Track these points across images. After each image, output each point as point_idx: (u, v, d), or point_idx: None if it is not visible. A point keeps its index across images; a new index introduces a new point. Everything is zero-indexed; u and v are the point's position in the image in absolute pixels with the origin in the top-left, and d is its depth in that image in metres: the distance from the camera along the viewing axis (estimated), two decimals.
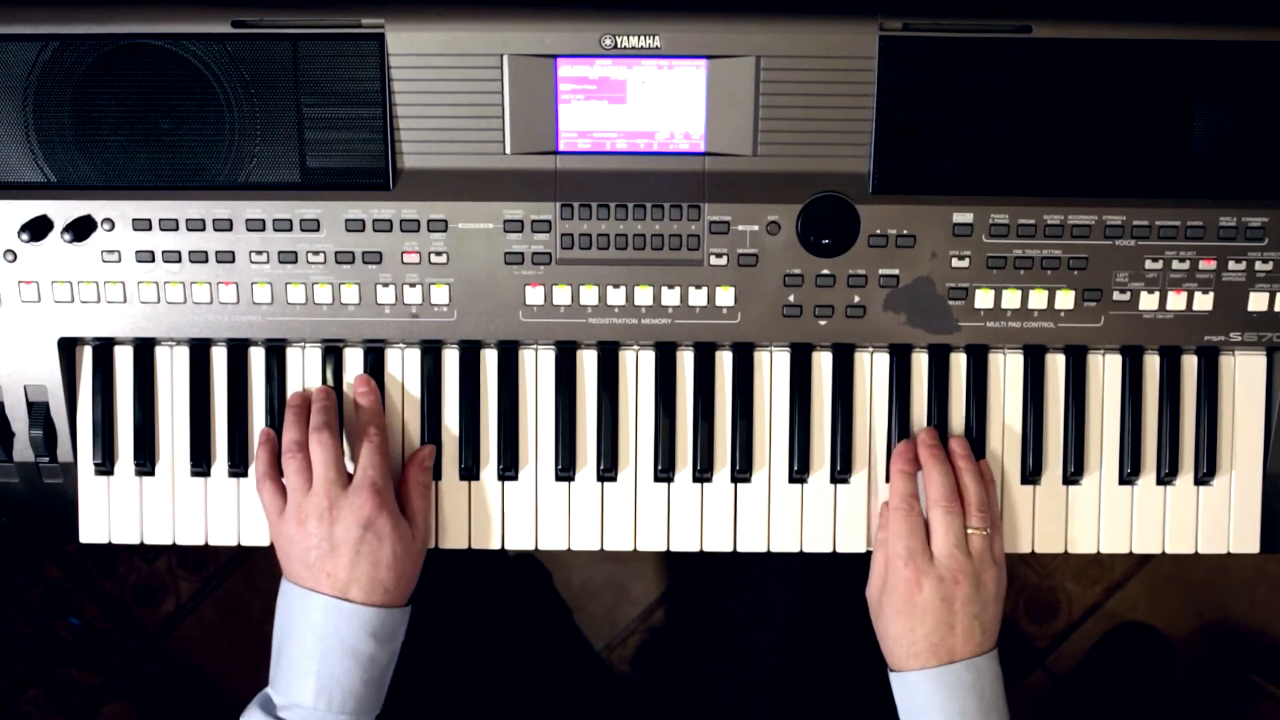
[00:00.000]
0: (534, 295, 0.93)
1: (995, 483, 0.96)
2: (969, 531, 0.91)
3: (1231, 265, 0.93)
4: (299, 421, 0.92)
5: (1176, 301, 0.93)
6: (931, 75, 0.89)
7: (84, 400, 0.96)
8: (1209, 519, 0.97)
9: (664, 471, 0.96)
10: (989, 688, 0.89)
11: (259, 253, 0.92)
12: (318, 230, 0.92)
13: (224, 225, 0.92)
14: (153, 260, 0.92)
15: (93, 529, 0.97)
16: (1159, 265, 0.93)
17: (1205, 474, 0.96)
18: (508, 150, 0.91)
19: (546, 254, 0.92)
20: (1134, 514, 0.97)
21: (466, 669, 1.17)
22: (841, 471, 0.95)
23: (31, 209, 0.91)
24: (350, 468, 0.93)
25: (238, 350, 0.96)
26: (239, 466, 0.96)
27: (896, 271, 0.93)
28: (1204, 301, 0.93)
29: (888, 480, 0.95)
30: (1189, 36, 0.89)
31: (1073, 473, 0.96)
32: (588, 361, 0.96)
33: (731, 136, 0.91)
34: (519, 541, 0.97)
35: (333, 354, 0.96)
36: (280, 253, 0.92)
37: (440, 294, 0.93)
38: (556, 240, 0.92)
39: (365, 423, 0.93)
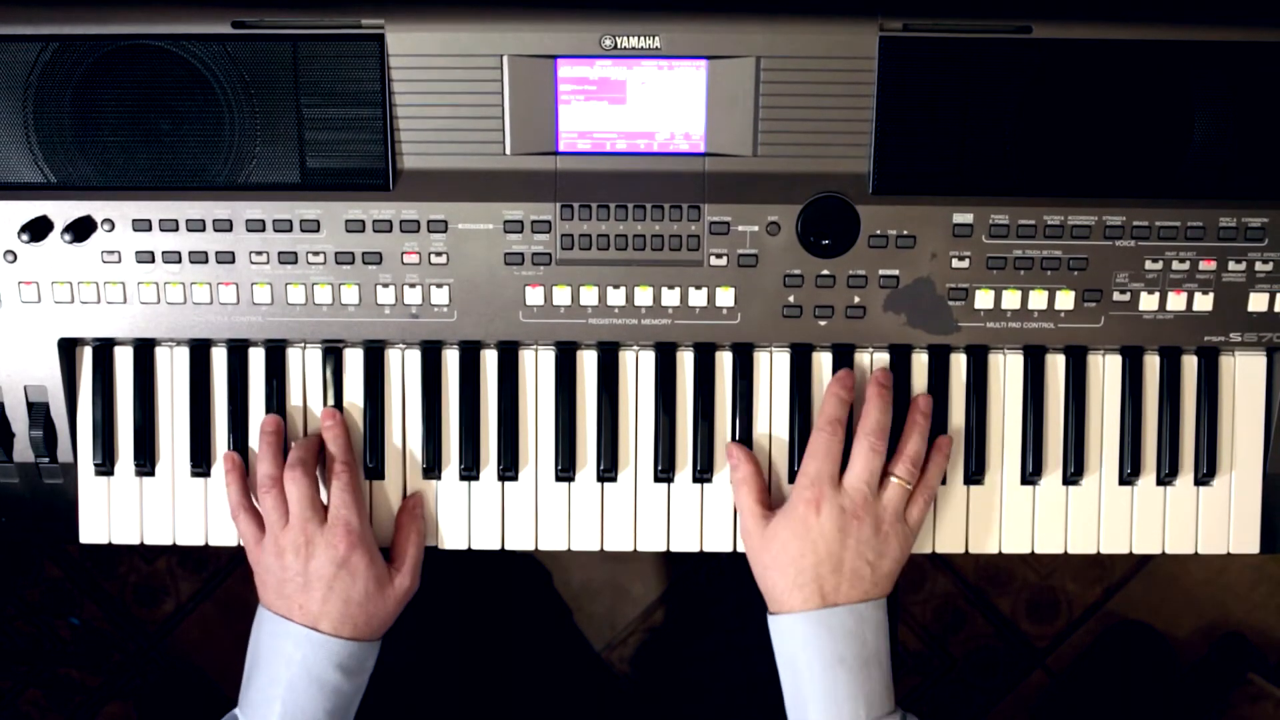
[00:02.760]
0: (534, 296, 0.93)
1: (948, 459, 0.94)
2: (891, 479, 0.90)
3: (1231, 266, 0.93)
4: (274, 455, 0.93)
5: (1176, 302, 0.94)
6: (931, 75, 0.89)
7: (84, 401, 0.96)
8: (1209, 519, 0.97)
9: (664, 472, 0.96)
10: (871, 636, 0.87)
11: (259, 253, 0.92)
12: (318, 230, 0.92)
13: (224, 226, 0.92)
14: (153, 261, 0.92)
15: (93, 529, 0.97)
16: (1159, 266, 0.93)
17: (1205, 474, 0.96)
18: (508, 151, 0.91)
19: (546, 254, 0.92)
20: (1134, 514, 0.97)
21: (466, 668, 1.17)
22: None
23: (31, 209, 0.91)
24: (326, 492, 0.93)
25: (238, 351, 0.96)
26: None
27: (896, 272, 0.93)
28: (1204, 302, 0.94)
29: None
30: (1189, 37, 0.89)
31: (1073, 473, 0.96)
32: (588, 362, 0.96)
33: (731, 137, 0.91)
34: (519, 542, 0.97)
35: (333, 354, 0.96)
36: (280, 253, 0.92)
37: (440, 294, 0.93)
38: (556, 241, 0.92)
39: (332, 459, 0.93)
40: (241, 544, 0.95)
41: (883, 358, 0.96)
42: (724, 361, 0.96)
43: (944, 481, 0.96)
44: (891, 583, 0.90)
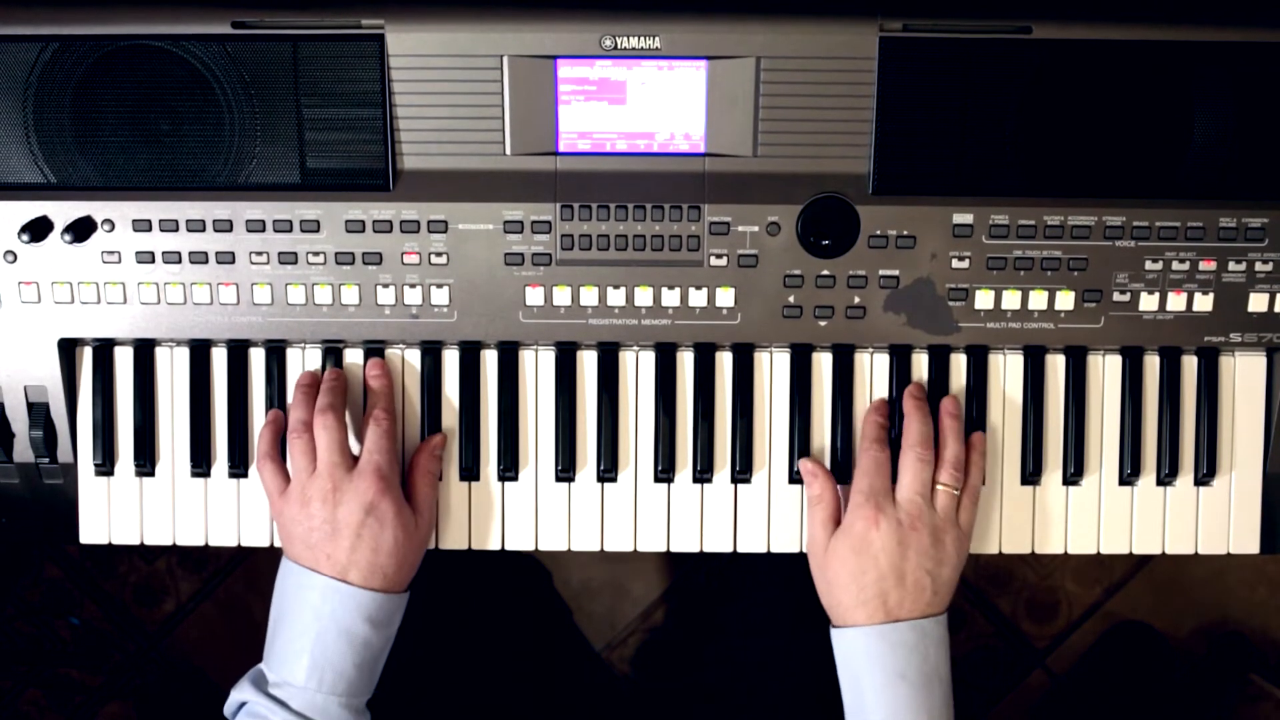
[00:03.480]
0: (534, 296, 0.93)
1: (984, 456, 0.95)
2: (938, 486, 0.91)
3: (1232, 266, 0.93)
4: (306, 401, 0.92)
5: (1176, 302, 0.93)
6: (931, 76, 0.89)
7: (84, 401, 0.96)
8: (1209, 519, 0.97)
9: (664, 472, 0.96)
10: (933, 652, 0.88)
11: (259, 253, 0.92)
12: (318, 231, 0.92)
13: (224, 226, 0.92)
14: (153, 261, 0.92)
15: (93, 529, 0.97)
16: (1159, 266, 0.93)
17: (1205, 474, 0.96)
18: (508, 151, 0.91)
19: (546, 255, 0.92)
20: (1134, 514, 0.97)
21: (467, 668, 1.17)
22: (842, 472, 0.95)
23: (31, 210, 0.91)
24: (356, 450, 0.92)
25: (238, 351, 0.96)
26: (239, 467, 0.96)
27: (896, 272, 0.93)
28: (1204, 302, 0.93)
29: None
30: (1189, 37, 0.89)
31: (1073, 473, 0.96)
32: (588, 362, 0.96)
33: (731, 137, 0.91)
34: (519, 542, 0.97)
35: (333, 355, 0.96)
36: (280, 253, 0.92)
37: (440, 295, 0.93)
38: (556, 241, 0.92)
39: (374, 405, 0.93)
40: (245, 546, 0.94)
41: (883, 358, 0.96)
42: (724, 362, 0.96)
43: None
44: (952, 592, 0.90)
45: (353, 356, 0.96)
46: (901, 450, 0.92)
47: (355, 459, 0.91)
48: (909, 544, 0.88)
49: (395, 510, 0.89)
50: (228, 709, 0.89)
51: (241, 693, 0.87)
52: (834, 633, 0.90)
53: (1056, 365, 0.96)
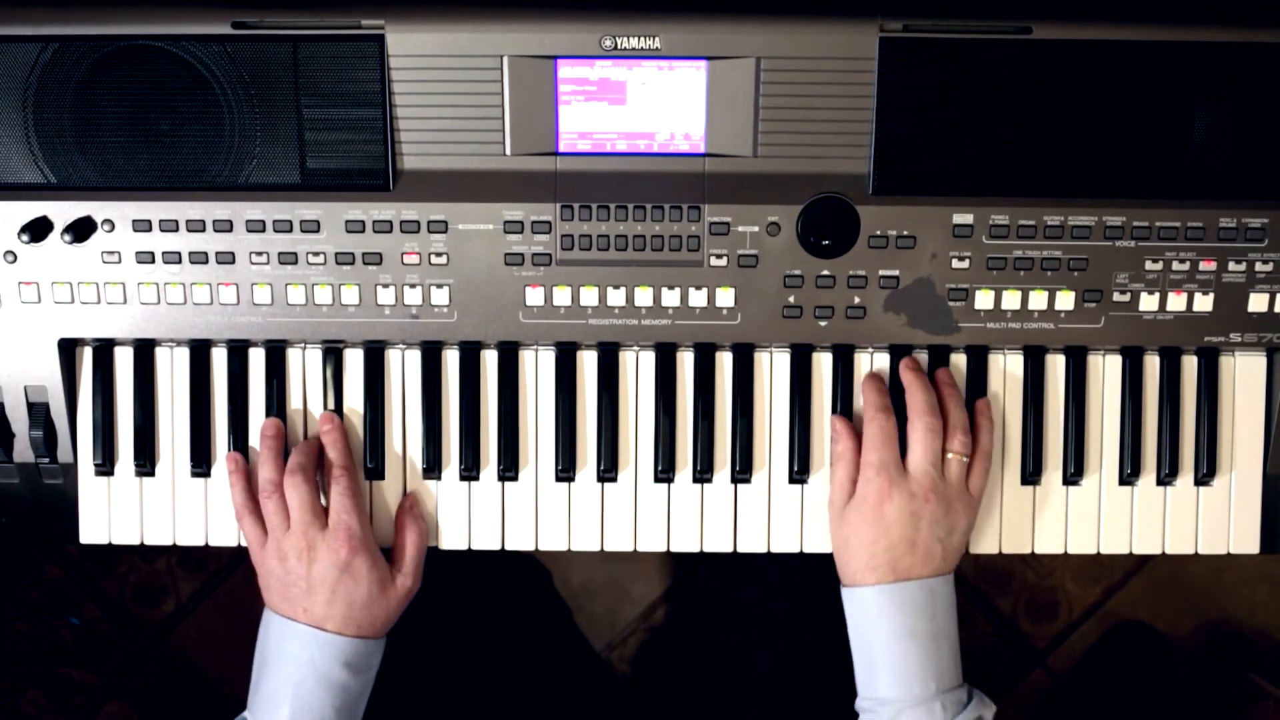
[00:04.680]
0: (534, 296, 0.93)
1: (991, 420, 0.95)
2: (949, 454, 0.91)
3: (1232, 266, 0.93)
4: (274, 459, 0.93)
5: (1176, 302, 0.94)
6: (931, 76, 0.89)
7: (84, 401, 0.96)
8: (1209, 519, 0.97)
9: (664, 472, 0.96)
10: (941, 611, 0.89)
11: (259, 253, 0.92)
12: (318, 231, 0.92)
13: (224, 226, 0.92)
14: (153, 261, 0.92)
15: (93, 529, 0.97)
16: (1159, 266, 0.93)
17: (1205, 474, 0.96)
18: (508, 151, 0.91)
19: (547, 255, 0.92)
20: (1134, 514, 0.97)
21: (466, 668, 1.17)
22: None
23: (31, 210, 0.91)
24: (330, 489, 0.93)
25: (238, 351, 0.96)
26: None
27: (896, 272, 0.93)
28: (1204, 302, 0.93)
29: None
30: (1189, 38, 0.89)
31: (1073, 473, 0.96)
32: (588, 362, 0.96)
33: (731, 137, 0.91)
34: (519, 542, 0.97)
35: (333, 355, 0.96)
36: (280, 253, 0.92)
37: (440, 295, 0.93)
38: (557, 241, 0.92)
39: (331, 465, 0.93)
40: (245, 546, 0.95)
41: (883, 358, 0.96)
42: (724, 362, 0.96)
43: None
44: (960, 554, 0.92)
45: (352, 356, 0.96)
46: (909, 421, 0.91)
47: (327, 511, 0.91)
48: (921, 515, 0.89)
49: (369, 566, 0.90)
50: None
51: None
52: (845, 591, 0.92)
53: (1056, 365, 0.96)
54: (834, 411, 0.95)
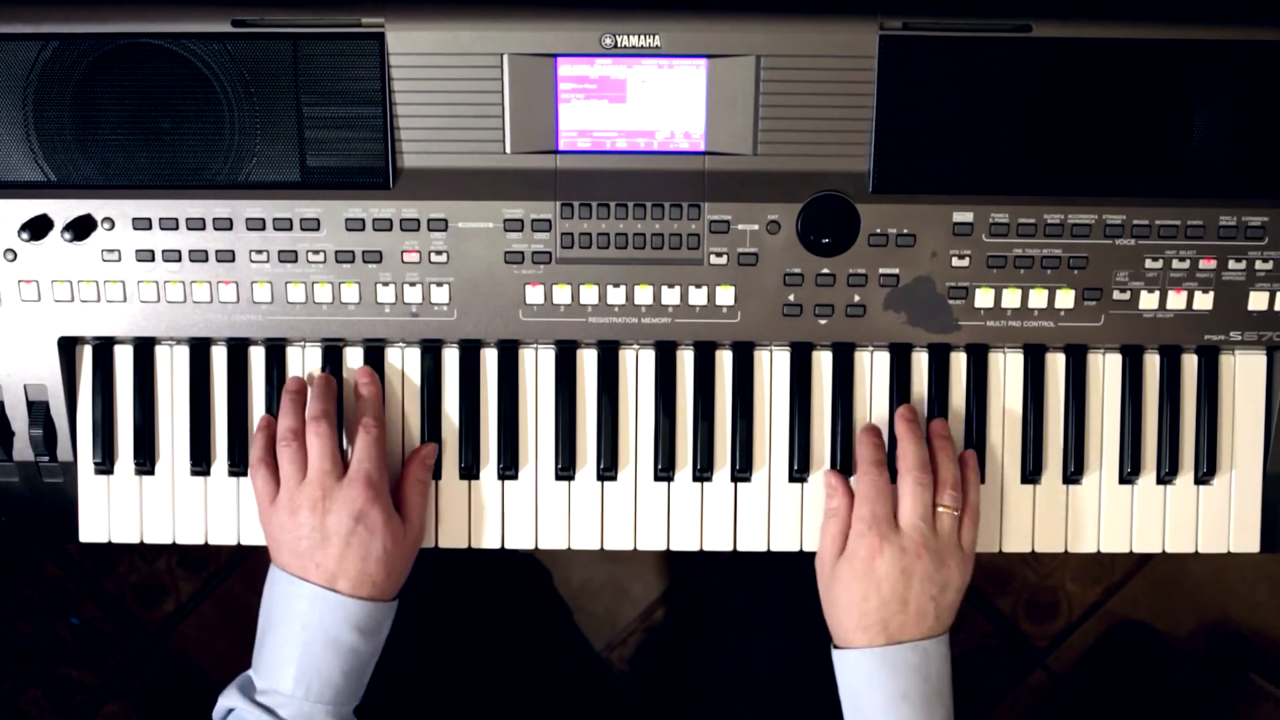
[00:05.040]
0: (534, 294, 0.93)
1: (978, 473, 0.94)
2: (939, 509, 0.90)
3: (1231, 264, 0.93)
4: (295, 409, 0.92)
5: (1176, 301, 0.94)
6: (931, 75, 0.89)
7: (84, 400, 0.96)
8: (1209, 519, 0.97)
9: (664, 471, 0.96)
10: (935, 672, 0.87)
11: (259, 252, 0.92)
12: (318, 229, 0.92)
13: (224, 224, 0.92)
14: (153, 259, 0.92)
15: (93, 529, 0.97)
16: (1159, 264, 0.93)
17: (1205, 473, 0.96)
18: (508, 149, 0.91)
19: (546, 253, 0.92)
20: (1134, 513, 0.97)
21: (466, 668, 1.17)
22: (842, 470, 0.95)
23: (31, 208, 0.91)
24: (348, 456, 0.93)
25: (238, 349, 0.96)
26: (239, 466, 0.96)
27: (896, 271, 0.93)
28: (1204, 301, 0.93)
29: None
30: (1189, 36, 0.89)
31: (1073, 472, 0.96)
32: (588, 361, 0.96)
33: (731, 136, 0.91)
34: (519, 541, 0.97)
35: (333, 353, 0.96)
36: (280, 252, 0.92)
37: (440, 293, 0.93)
38: (556, 239, 0.92)
39: (363, 414, 0.93)
40: (245, 545, 0.95)
41: (883, 357, 0.96)
42: (724, 360, 0.96)
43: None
44: (954, 614, 0.90)
45: (352, 355, 0.96)
46: (899, 475, 0.91)
47: (345, 466, 0.91)
48: (913, 572, 0.87)
49: (384, 518, 0.89)
50: (216, 714, 0.89)
51: (229, 699, 0.87)
52: (835, 654, 0.90)
53: (1056, 364, 0.96)
54: (833, 413, 0.95)
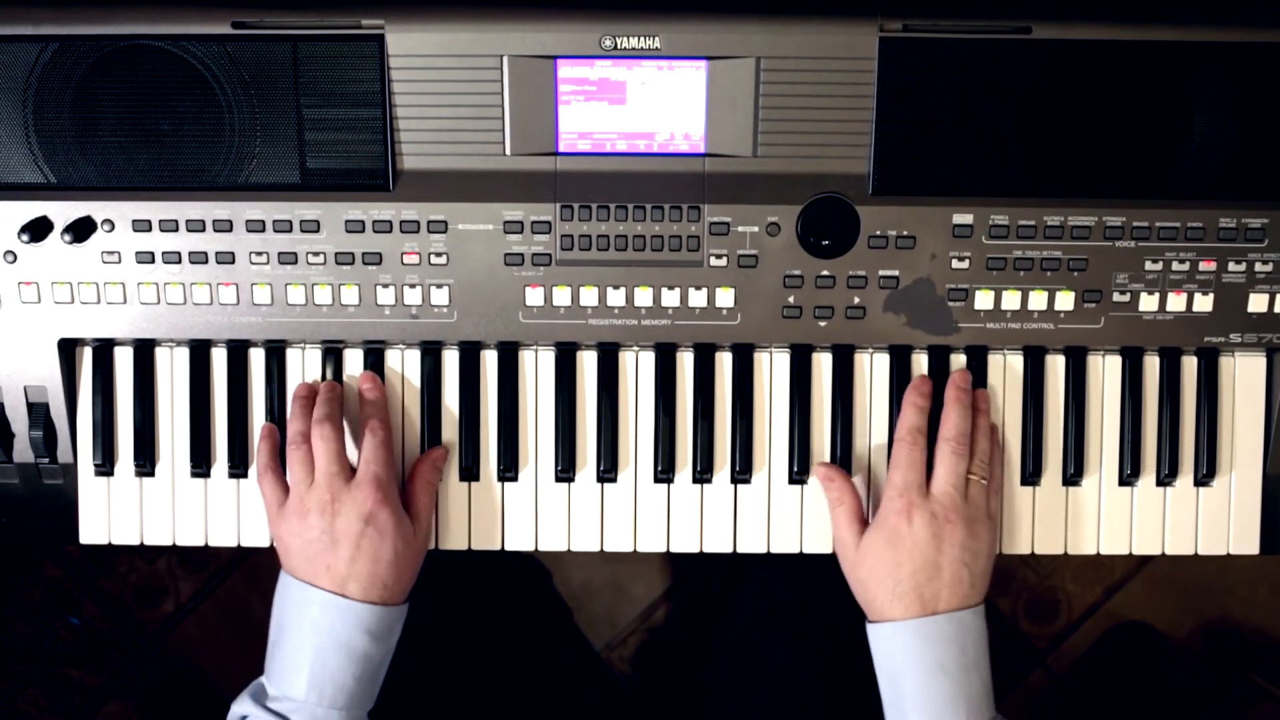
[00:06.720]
0: (534, 296, 0.93)
1: (1001, 448, 0.95)
2: (970, 478, 0.90)
3: (1231, 266, 0.93)
4: (304, 413, 0.92)
5: (1176, 303, 0.94)
6: (931, 76, 0.89)
7: (84, 401, 0.96)
8: (1209, 520, 0.97)
9: (664, 472, 0.96)
10: (971, 644, 0.87)
11: (259, 253, 0.92)
12: (318, 231, 0.92)
13: (224, 226, 0.92)
14: (153, 261, 0.92)
15: (93, 529, 0.97)
16: (1159, 266, 0.93)
17: (1205, 475, 0.96)
18: (508, 151, 0.91)
19: (546, 255, 0.92)
20: (1134, 515, 0.97)
21: (466, 669, 1.17)
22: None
23: (31, 210, 0.91)
24: (355, 460, 0.92)
25: (238, 351, 0.96)
26: (239, 467, 0.96)
27: (896, 273, 0.93)
28: (1204, 303, 0.93)
29: (888, 461, 0.94)
30: (1189, 38, 0.89)
31: (1073, 474, 0.96)
32: (588, 362, 0.96)
33: (731, 137, 0.91)
34: (519, 542, 0.97)
35: (333, 355, 0.96)
36: (280, 253, 0.92)
37: (440, 295, 0.93)
38: (556, 241, 0.92)
39: (369, 416, 0.93)
40: (245, 545, 0.95)
41: (883, 358, 0.96)
42: (724, 362, 0.96)
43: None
44: (988, 582, 0.90)
45: (352, 356, 0.96)
46: (939, 442, 0.91)
47: (354, 470, 0.91)
48: (944, 537, 0.88)
49: (394, 521, 0.89)
50: None
51: (242, 706, 0.87)
52: (870, 629, 0.90)
53: (1056, 366, 0.96)
54: (833, 415, 0.95)
